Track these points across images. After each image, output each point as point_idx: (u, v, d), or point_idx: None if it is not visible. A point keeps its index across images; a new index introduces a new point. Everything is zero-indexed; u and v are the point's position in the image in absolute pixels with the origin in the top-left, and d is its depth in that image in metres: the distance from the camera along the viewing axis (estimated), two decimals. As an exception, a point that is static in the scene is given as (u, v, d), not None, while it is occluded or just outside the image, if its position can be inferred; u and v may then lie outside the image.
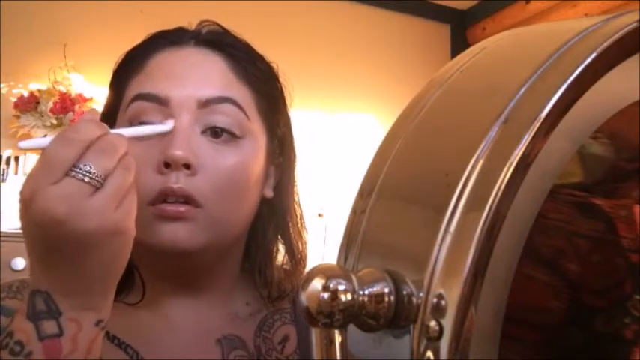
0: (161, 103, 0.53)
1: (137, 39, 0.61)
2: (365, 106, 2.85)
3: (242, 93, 0.57)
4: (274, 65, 0.62)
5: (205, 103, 0.54)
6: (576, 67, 0.26)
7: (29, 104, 2.08)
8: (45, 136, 2.01)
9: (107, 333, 0.50)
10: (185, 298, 0.58)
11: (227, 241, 0.57)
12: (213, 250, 0.55)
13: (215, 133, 0.54)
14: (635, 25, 0.27)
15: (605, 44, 0.26)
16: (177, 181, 0.51)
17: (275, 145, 0.61)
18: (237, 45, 0.59)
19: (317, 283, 0.24)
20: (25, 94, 2.12)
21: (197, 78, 0.55)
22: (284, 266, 0.63)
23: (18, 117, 2.08)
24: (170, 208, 0.51)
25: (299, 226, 0.64)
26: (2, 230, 1.87)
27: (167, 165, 0.51)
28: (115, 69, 0.60)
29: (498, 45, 0.33)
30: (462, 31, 3.20)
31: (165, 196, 0.51)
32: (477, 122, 0.27)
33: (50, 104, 2.05)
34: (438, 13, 3.16)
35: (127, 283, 0.58)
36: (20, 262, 1.80)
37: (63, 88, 2.11)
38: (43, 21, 2.27)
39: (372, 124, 2.81)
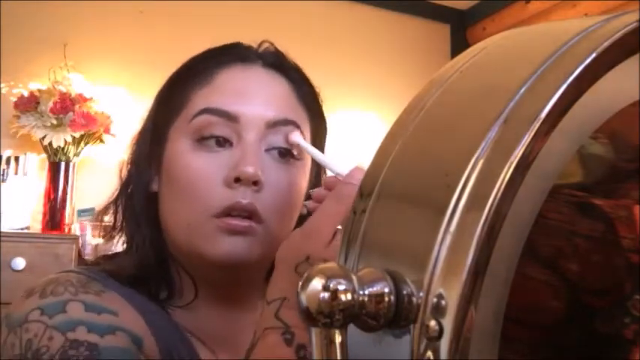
0: (230, 119, 0.56)
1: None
2: (364, 106, 2.85)
3: (302, 116, 0.61)
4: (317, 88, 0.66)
5: (273, 124, 0.57)
6: (576, 67, 0.25)
7: (29, 104, 2.07)
8: (44, 136, 2.01)
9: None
10: (218, 309, 0.60)
11: (274, 255, 0.60)
12: (263, 263, 0.58)
13: (279, 152, 0.57)
14: (635, 25, 0.27)
15: (605, 44, 0.26)
16: (245, 196, 0.54)
17: (315, 164, 0.64)
18: (296, 68, 0.63)
19: (317, 283, 0.24)
20: (25, 94, 2.12)
21: (266, 98, 0.58)
22: None
23: (18, 117, 2.08)
24: (236, 222, 0.53)
25: None
26: (2, 230, 1.86)
27: (237, 180, 0.53)
28: (173, 78, 0.62)
29: (498, 45, 0.33)
30: (462, 31, 3.19)
31: (231, 210, 0.53)
32: (477, 122, 0.27)
33: (50, 104, 2.04)
34: (438, 13, 3.15)
35: (168, 289, 0.60)
36: (20, 262, 1.79)
37: (63, 88, 2.11)
38: (43, 21, 2.27)
39: (372, 124, 2.81)
